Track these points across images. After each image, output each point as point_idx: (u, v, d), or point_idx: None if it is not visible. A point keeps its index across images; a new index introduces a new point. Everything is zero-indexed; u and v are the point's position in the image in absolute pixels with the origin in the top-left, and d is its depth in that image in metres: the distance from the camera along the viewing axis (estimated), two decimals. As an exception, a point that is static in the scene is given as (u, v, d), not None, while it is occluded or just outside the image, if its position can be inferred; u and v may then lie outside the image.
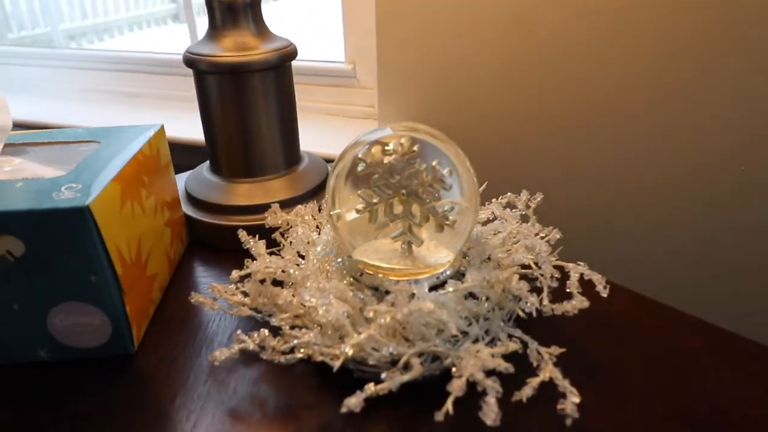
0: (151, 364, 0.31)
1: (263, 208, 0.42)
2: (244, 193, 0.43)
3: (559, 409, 0.24)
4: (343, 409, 0.23)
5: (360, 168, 0.30)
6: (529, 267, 0.32)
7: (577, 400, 0.24)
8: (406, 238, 0.31)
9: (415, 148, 0.29)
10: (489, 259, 0.32)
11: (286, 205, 0.41)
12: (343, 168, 0.31)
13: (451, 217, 0.29)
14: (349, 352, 0.25)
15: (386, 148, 0.30)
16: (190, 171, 0.48)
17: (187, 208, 0.43)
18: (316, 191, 0.44)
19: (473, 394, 0.24)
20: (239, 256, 0.41)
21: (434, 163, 0.29)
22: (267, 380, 0.30)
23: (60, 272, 0.28)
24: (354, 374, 0.28)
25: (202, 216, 0.43)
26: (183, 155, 0.59)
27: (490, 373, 0.24)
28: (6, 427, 0.27)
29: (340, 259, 0.32)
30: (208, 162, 0.46)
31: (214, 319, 0.35)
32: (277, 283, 0.32)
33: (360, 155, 0.30)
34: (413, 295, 0.28)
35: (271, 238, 0.37)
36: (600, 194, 0.58)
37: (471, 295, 0.30)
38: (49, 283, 0.28)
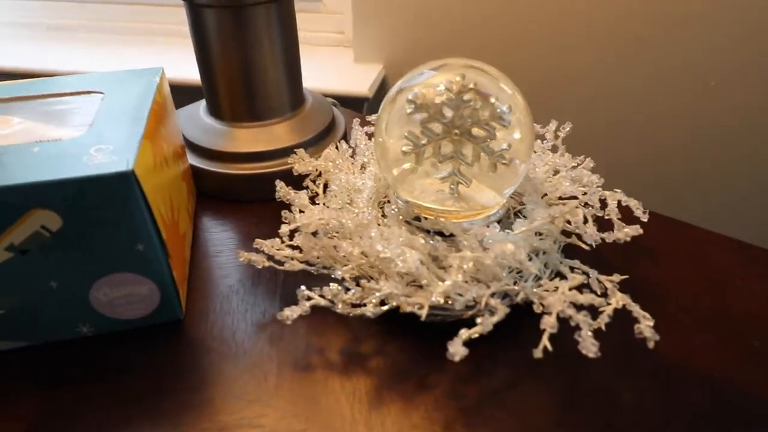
0: (202, 328, 0.30)
1: (272, 154, 0.40)
2: (251, 139, 0.40)
3: (637, 333, 0.25)
4: (456, 359, 0.23)
5: (408, 110, 0.29)
6: (575, 198, 0.32)
7: (650, 323, 0.25)
8: (455, 179, 0.31)
9: (471, 85, 0.28)
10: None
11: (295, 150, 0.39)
12: (393, 111, 0.29)
13: (507, 156, 0.29)
14: (441, 300, 0.25)
15: (438, 88, 0.28)
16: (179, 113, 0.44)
17: (190, 158, 0.40)
18: (325, 133, 0.42)
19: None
20: (248, 206, 0.39)
21: (492, 100, 0.28)
22: (330, 332, 0.29)
23: (103, 244, 0.26)
24: (425, 319, 0.28)
25: (207, 165, 0.40)
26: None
27: (578, 307, 0.25)
28: (55, 413, 0.26)
29: (394, 207, 0.31)
30: (203, 104, 0.42)
31: (253, 274, 0.33)
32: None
33: (410, 97, 0.28)
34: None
35: (302, 185, 0.35)
36: (603, 123, 0.59)
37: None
38: (91, 257, 0.26)
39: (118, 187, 0.24)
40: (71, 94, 0.31)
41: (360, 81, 0.63)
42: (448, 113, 0.29)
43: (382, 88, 0.66)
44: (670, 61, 0.55)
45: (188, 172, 0.38)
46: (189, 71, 0.71)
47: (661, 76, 0.56)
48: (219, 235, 0.37)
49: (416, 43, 0.62)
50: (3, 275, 0.25)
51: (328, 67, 0.68)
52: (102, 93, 0.31)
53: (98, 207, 0.25)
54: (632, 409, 0.26)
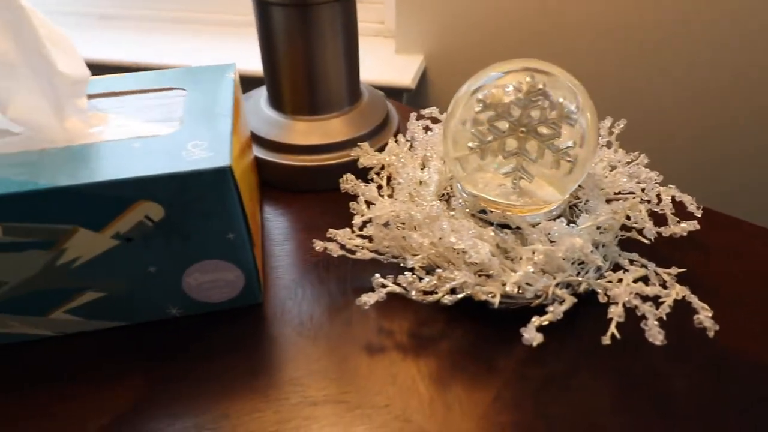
0: (280, 312, 0.32)
1: (331, 147, 0.41)
2: (311, 132, 0.42)
3: (697, 324, 0.27)
4: (534, 344, 0.25)
5: (477, 109, 0.30)
6: (631, 194, 0.34)
7: (709, 313, 0.27)
8: (518, 174, 0.32)
9: (541, 85, 0.29)
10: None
11: (352, 143, 0.41)
12: (463, 110, 0.31)
13: (572, 153, 0.30)
14: (514, 290, 0.27)
15: (506, 89, 0.30)
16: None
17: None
18: (380, 128, 0.44)
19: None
20: (307, 196, 0.41)
21: (561, 100, 0.29)
22: (398, 316, 0.31)
23: (198, 233, 0.28)
24: (492, 306, 0.30)
25: (268, 155, 0.42)
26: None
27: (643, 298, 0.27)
28: (162, 387, 0.28)
29: (461, 200, 0.33)
30: (264, 96, 0.44)
31: (322, 261, 0.35)
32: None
33: (480, 97, 0.30)
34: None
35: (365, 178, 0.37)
36: (644, 113, 0.60)
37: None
38: (186, 245, 0.28)
39: (217, 181, 0.26)
40: (155, 90, 0.33)
41: (402, 72, 0.64)
42: (515, 112, 0.30)
43: (423, 80, 0.68)
44: (690, 56, 0.56)
45: (254, 162, 0.40)
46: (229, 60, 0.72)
47: (701, 70, 0.56)
48: (283, 224, 0.39)
49: (458, 35, 0.63)
50: (109, 261, 0.27)
51: (369, 57, 0.69)
52: (184, 89, 0.33)
53: (197, 199, 0.27)
54: (685, 396, 0.27)
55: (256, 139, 0.42)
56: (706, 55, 0.56)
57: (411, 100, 0.70)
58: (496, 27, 0.60)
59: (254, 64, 0.73)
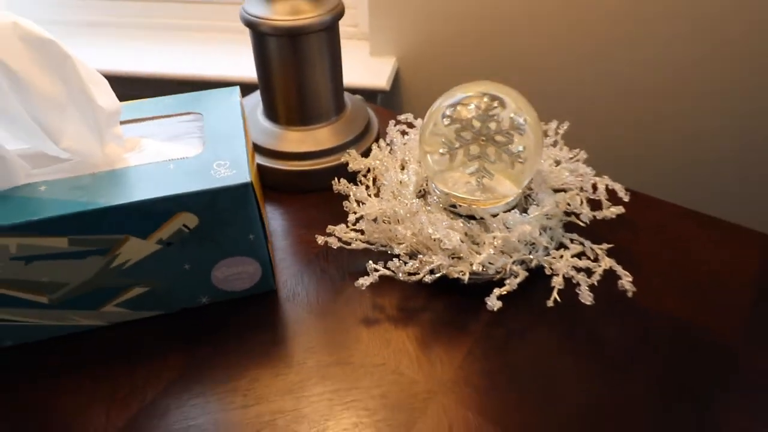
0: (291, 296, 0.39)
1: (320, 153, 0.48)
2: (302, 140, 0.48)
3: (620, 286, 0.35)
4: (495, 308, 0.32)
5: (446, 123, 0.37)
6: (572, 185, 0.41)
7: (630, 279, 0.35)
8: (481, 173, 0.39)
9: (495, 104, 0.36)
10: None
11: (340, 149, 0.47)
12: (433, 125, 0.38)
13: (523, 156, 0.38)
14: (480, 268, 0.34)
15: (468, 107, 0.37)
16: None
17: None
18: (363, 134, 0.50)
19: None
20: (302, 196, 0.48)
21: (511, 114, 0.36)
22: (387, 293, 0.39)
23: (225, 236, 0.34)
24: (463, 282, 0.37)
25: (265, 162, 0.48)
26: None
27: (578, 269, 0.34)
28: (198, 364, 0.35)
29: (435, 197, 0.40)
30: (260, 108, 0.50)
31: (321, 252, 0.42)
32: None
33: (447, 113, 0.37)
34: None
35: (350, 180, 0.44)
36: (589, 109, 0.67)
37: (537, 213, 0.39)
38: (215, 245, 0.34)
39: (240, 194, 0.33)
40: (176, 115, 0.39)
41: (377, 74, 0.70)
42: (477, 124, 0.37)
43: (396, 81, 0.74)
44: (632, 57, 0.63)
45: (258, 168, 0.47)
46: (219, 66, 0.78)
47: (624, 72, 0.64)
48: (284, 222, 0.46)
49: (430, 36, 0.69)
50: (152, 262, 0.34)
51: (346, 59, 0.74)
52: (200, 114, 0.39)
53: (225, 209, 0.33)
54: (614, 343, 0.35)
55: (256, 148, 0.48)
56: (639, 56, 0.64)
57: (386, 100, 0.77)
58: (465, 30, 0.66)
59: (243, 70, 0.78)
